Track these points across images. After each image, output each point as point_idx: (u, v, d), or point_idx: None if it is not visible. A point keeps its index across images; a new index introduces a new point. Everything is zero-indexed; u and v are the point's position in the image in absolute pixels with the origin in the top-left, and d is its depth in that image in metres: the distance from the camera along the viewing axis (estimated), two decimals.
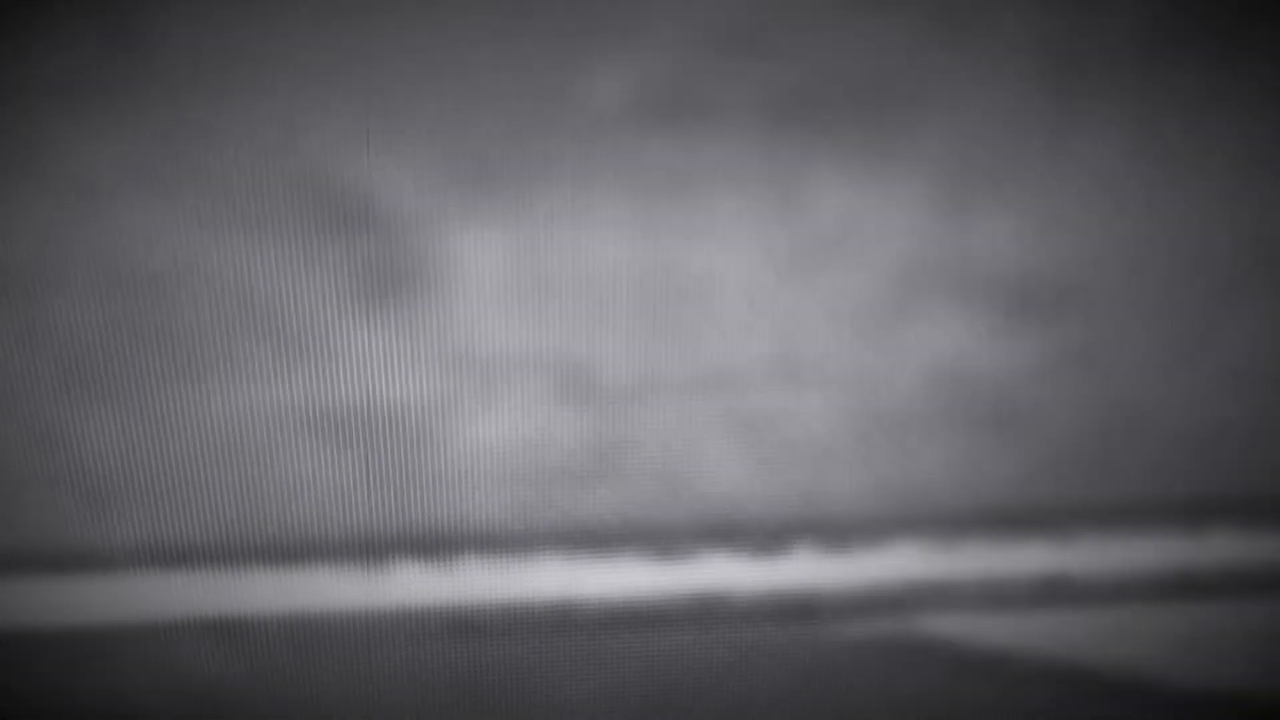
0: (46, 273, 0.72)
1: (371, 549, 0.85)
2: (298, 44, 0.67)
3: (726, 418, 0.83)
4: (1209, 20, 0.74)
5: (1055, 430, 0.88)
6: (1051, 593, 0.97)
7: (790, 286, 0.78)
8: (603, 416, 0.81)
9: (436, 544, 0.86)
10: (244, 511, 0.82)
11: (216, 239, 0.72)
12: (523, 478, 0.84)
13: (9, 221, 0.71)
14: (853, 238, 0.76)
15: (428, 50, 0.69)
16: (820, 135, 0.74)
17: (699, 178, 0.73)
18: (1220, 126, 0.77)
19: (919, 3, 0.71)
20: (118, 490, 0.80)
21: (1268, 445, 0.92)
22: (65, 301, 0.72)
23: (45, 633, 0.85)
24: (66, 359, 0.74)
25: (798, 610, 0.93)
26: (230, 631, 0.86)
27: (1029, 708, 1.02)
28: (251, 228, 0.72)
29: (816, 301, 0.79)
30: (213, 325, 0.75)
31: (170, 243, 0.72)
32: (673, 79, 0.71)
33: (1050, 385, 0.86)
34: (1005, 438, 0.87)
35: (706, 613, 0.92)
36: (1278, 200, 0.80)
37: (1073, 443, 0.89)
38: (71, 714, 0.89)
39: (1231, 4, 0.73)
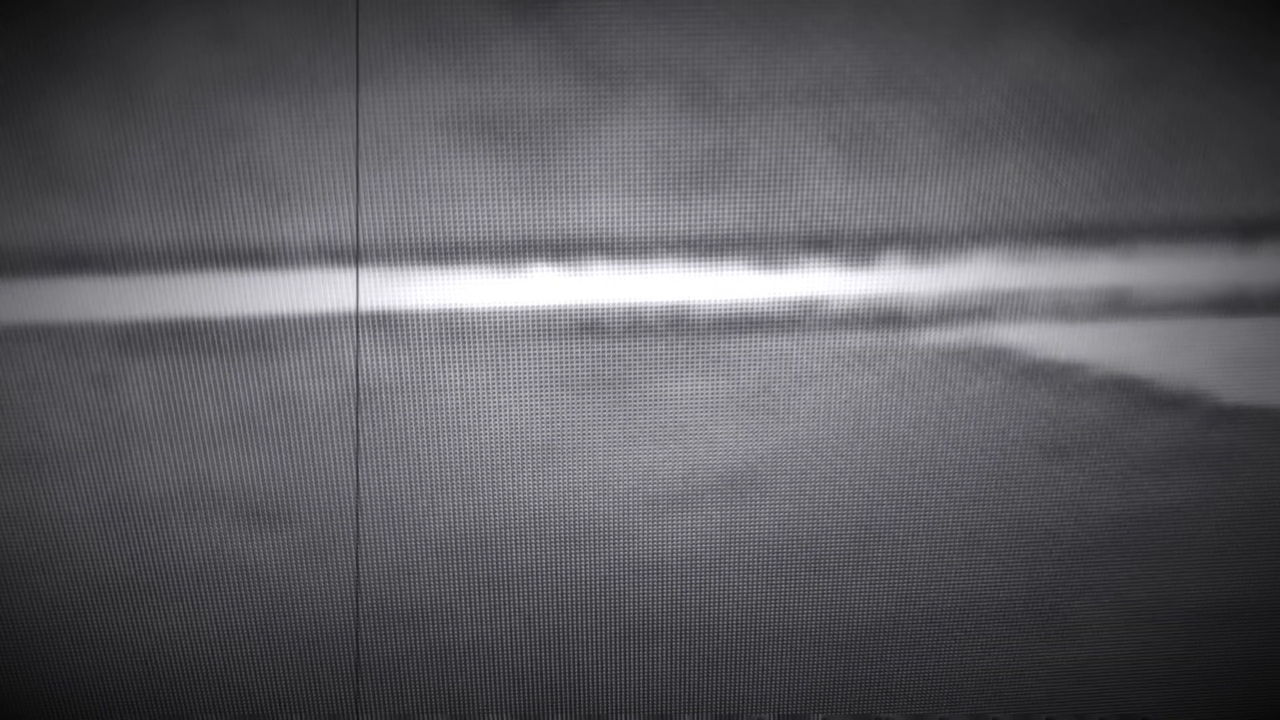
0: None
1: (509, 251, 0.95)
2: None
3: (827, 128, 0.93)
4: None
5: (1121, 145, 0.97)
6: (1113, 305, 1.06)
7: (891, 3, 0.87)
8: (720, 125, 0.91)
9: (566, 247, 0.96)
10: (399, 212, 0.92)
11: None
12: (645, 185, 0.94)
13: None
14: None
15: None
16: None
17: None
18: None
19: None
20: (290, 188, 0.90)
21: None
22: (256, 9, 0.82)
23: (217, 321, 0.96)
24: (253, 60, 0.84)
25: (885, 316, 1.03)
26: (385, 324, 0.96)
27: (1088, 416, 1.12)
28: None
29: (910, 18, 0.88)
30: (380, 33, 0.84)
31: None
32: None
33: (1118, 101, 0.95)
34: (1076, 151, 0.97)
35: (804, 316, 1.02)
36: None
37: (1137, 158, 0.98)
38: (234, 398, 1.00)
39: None
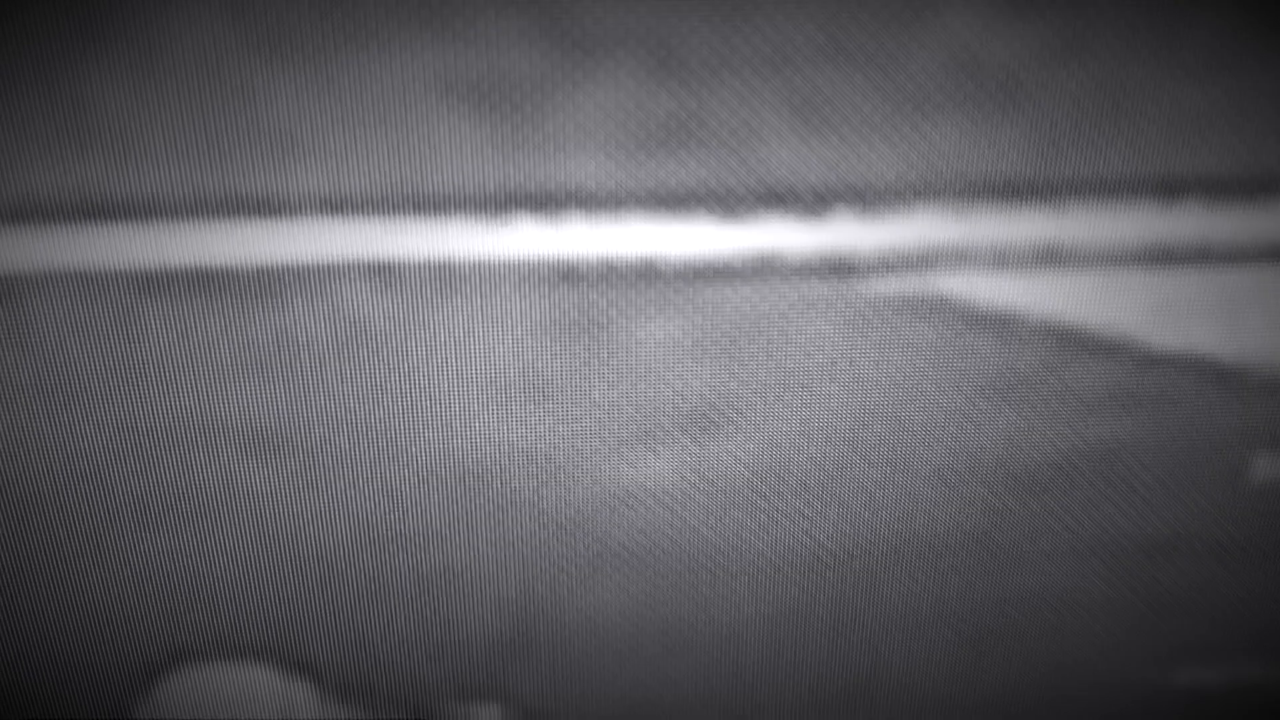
0: None
1: (494, 205, 1.05)
2: None
3: (781, 94, 1.02)
4: None
5: (1052, 109, 1.06)
6: (1046, 257, 1.16)
7: None
8: (684, 89, 1.00)
9: (546, 201, 1.05)
10: (395, 168, 1.01)
11: None
12: (617, 144, 1.03)
13: None
14: None
15: None
16: None
17: None
18: None
19: None
20: (293, 145, 0.99)
21: (1233, 127, 1.10)
22: None
23: (226, 269, 1.05)
24: (262, 29, 0.93)
25: (836, 266, 1.13)
26: (382, 272, 1.06)
27: (1023, 361, 1.21)
28: None
29: None
30: (377, 5, 0.93)
31: None
32: None
33: (1048, 69, 1.04)
34: (1010, 115, 1.06)
35: (763, 266, 1.11)
36: None
37: (1066, 121, 1.07)
38: (244, 346, 1.09)
39: None
